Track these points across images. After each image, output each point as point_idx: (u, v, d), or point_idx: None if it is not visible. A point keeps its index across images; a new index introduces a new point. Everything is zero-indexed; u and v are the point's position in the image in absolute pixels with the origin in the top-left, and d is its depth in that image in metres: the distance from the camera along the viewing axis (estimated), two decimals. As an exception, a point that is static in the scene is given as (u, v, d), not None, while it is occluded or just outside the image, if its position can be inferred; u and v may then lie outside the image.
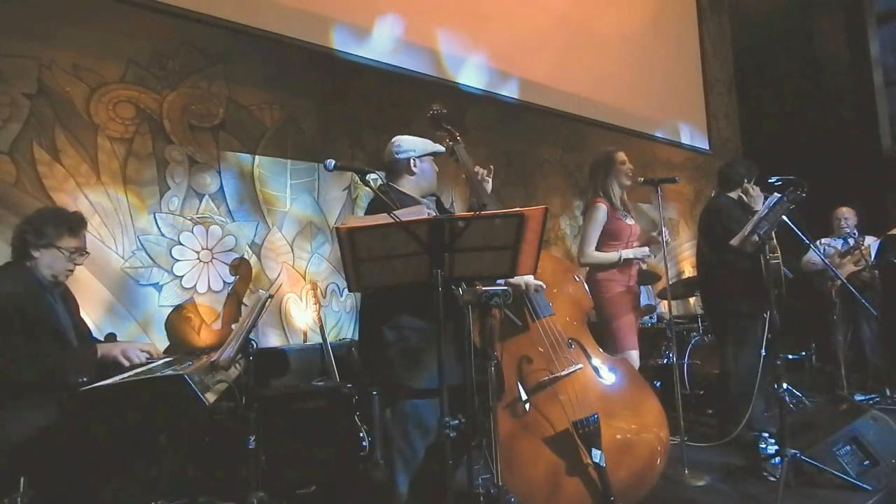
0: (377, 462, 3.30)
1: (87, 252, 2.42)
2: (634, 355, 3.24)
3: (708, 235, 3.82)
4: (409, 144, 2.58)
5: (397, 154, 2.57)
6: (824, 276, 4.88)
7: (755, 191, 3.65)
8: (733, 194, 3.79)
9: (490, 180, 2.73)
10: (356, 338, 4.05)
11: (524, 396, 2.56)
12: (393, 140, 2.63)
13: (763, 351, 3.39)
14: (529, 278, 2.53)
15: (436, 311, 1.89)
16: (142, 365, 2.27)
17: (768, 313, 3.36)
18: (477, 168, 2.70)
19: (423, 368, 2.35)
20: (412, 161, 2.56)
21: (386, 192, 2.51)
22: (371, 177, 2.24)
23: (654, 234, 3.45)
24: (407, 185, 2.58)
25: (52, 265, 2.28)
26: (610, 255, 3.26)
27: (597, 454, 2.43)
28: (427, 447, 2.47)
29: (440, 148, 2.64)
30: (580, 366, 2.60)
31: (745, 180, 3.76)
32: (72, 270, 2.37)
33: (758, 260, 3.33)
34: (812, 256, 4.90)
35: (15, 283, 2.20)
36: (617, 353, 3.12)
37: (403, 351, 2.41)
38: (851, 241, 5.01)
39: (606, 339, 3.18)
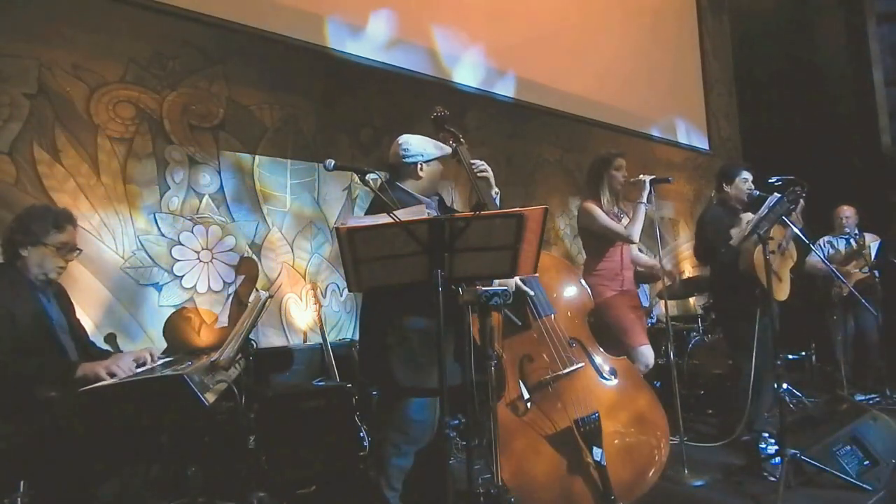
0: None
1: (78, 248, 2.38)
2: (646, 351, 3.23)
3: (695, 247, 3.89)
4: (418, 148, 2.53)
5: (405, 158, 2.53)
6: (830, 280, 4.88)
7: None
8: (730, 189, 3.78)
9: (491, 172, 2.64)
10: (356, 338, 4.06)
11: (526, 395, 2.56)
12: (399, 141, 2.58)
13: (755, 348, 3.39)
14: (513, 281, 2.53)
15: (436, 311, 1.89)
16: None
17: (764, 312, 3.37)
18: (476, 161, 2.63)
19: (423, 370, 2.35)
20: (420, 165, 2.53)
21: (386, 190, 2.47)
22: (371, 176, 2.23)
23: (658, 261, 3.41)
24: (410, 186, 2.55)
25: (41, 263, 2.26)
26: (639, 210, 3.22)
27: (598, 452, 2.44)
28: (426, 446, 2.48)
29: (448, 150, 2.60)
30: (581, 364, 2.61)
31: (734, 173, 3.78)
32: (63, 267, 2.33)
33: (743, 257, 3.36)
34: (817, 261, 4.90)
35: (2, 285, 2.18)
36: (628, 349, 3.12)
37: (404, 353, 2.39)
38: (853, 242, 5.01)
39: (612, 340, 3.17)
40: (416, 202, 2.42)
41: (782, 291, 3.56)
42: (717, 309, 4.04)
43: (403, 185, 2.55)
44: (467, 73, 4.98)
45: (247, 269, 3.80)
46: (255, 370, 2.58)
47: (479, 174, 2.58)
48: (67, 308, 2.44)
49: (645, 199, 3.22)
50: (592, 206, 3.33)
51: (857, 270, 4.93)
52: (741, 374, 3.56)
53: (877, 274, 4.85)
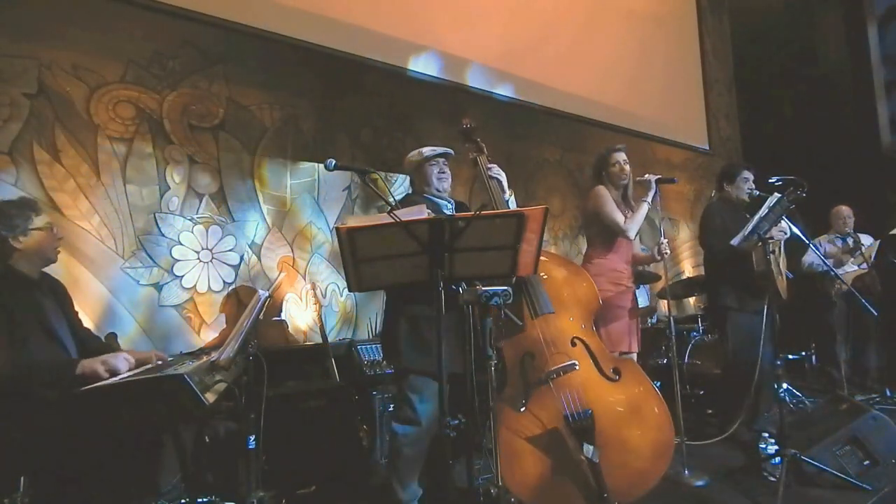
0: (377, 462, 3.31)
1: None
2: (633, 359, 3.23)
3: (700, 238, 3.90)
4: (408, 159, 2.84)
5: (406, 168, 2.89)
6: (828, 278, 4.89)
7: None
8: (731, 189, 3.78)
9: (504, 176, 2.85)
10: (356, 337, 4.06)
11: (524, 392, 2.56)
12: None
13: (759, 347, 3.38)
14: None
15: (436, 311, 1.89)
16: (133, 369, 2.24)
17: (766, 310, 3.36)
18: (491, 165, 2.83)
19: (429, 354, 2.38)
20: (411, 176, 2.87)
21: (408, 195, 2.89)
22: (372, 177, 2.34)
23: (662, 241, 3.36)
24: (419, 189, 2.83)
25: (41, 247, 2.27)
26: (641, 208, 3.25)
27: (589, 449, 2.41)
28: (428, 445, 2.51)
29: (430, 153, 2.79)
30: (575, 362, 2.60)
31: (736, 173, 3.77)
32: (57, 248, 2.37)
33: (749, 258, 3.35)
34: (814, 258, 4.90)
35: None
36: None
37: (413, 337, 2.54)
38: (851, 241, 5.02)
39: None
40: (430, 202, 2.62)
41: (783, 289, 3.58)
42: (713, 300, 3.97)
43: (417, 189, 2.86)
44: (469, 73, 4.98)
45: (285, 267, 3.92)
46: (255, 370, 2.58)
47: (493, 176, 2.83)
48: (65, 303, 2.43)
49: (650, 199, 3.23)
50: (604, 191, 3.32)
51: (855, 267, 4.93)
52: (743, 367, 3.50)
53: (875, 273, 4.86)
